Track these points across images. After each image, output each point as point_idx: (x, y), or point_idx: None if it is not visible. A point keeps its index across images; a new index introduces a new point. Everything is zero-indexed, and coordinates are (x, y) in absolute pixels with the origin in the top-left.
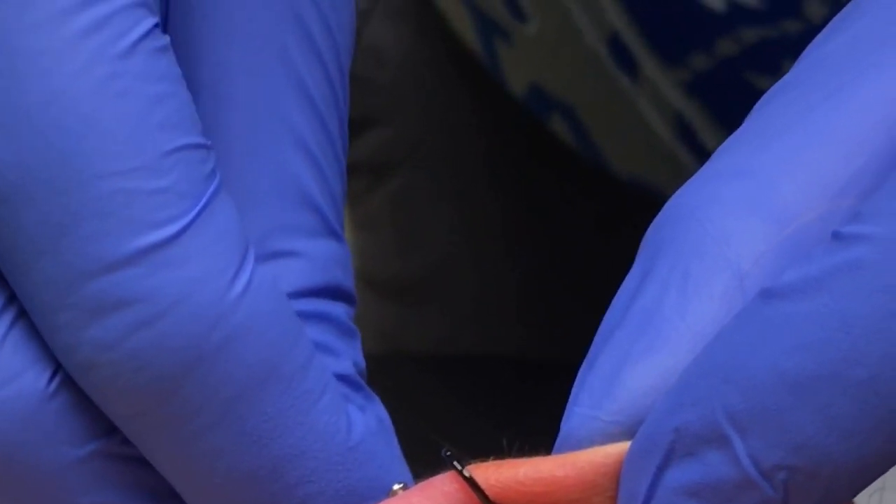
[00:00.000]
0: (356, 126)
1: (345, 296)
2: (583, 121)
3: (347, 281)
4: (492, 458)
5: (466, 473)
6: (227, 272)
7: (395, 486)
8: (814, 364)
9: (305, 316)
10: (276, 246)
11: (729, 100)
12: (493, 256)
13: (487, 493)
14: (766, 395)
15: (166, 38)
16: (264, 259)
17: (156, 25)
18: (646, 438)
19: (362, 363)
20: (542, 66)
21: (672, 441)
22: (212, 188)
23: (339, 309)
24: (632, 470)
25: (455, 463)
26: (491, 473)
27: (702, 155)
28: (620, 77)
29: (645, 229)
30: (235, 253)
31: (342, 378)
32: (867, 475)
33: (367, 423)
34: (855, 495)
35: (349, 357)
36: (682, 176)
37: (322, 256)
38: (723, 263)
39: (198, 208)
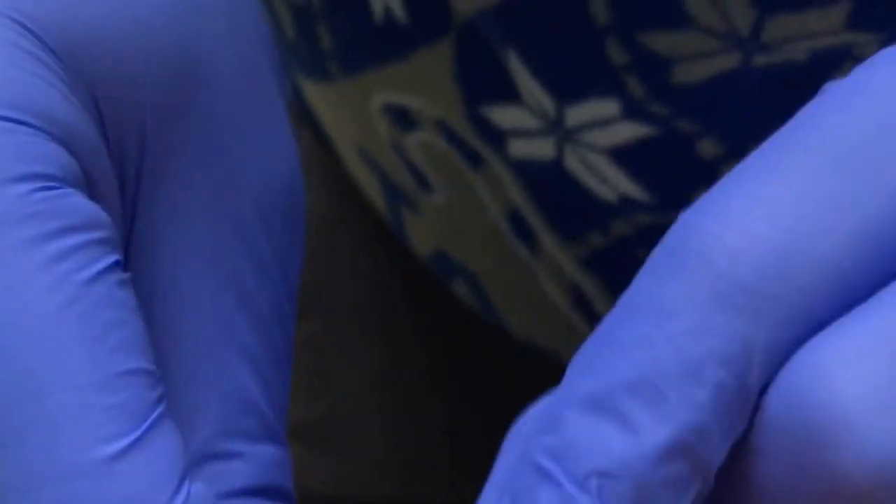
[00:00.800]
0: None
1: (283, 496)
2: (484, 287)
3: (286, 483)
4: None
5: None
6: (166, 490)
7: None
8: (602, 383)
9: None
10: (221, 447)
11: (624, 274)
12: (398, 403)
13: None
14: (569, 420)
15: (126, 275)
16: (210, 459)
17: (118, 262)
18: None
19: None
20: (447, 234)
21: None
22: (158, 412)
23: None
24: None
25: None
26: None
27: (596, 321)
28: (521, 249)
29: (552, 384)
30: (175, 472)
31: None
32: (664, 475)
33: None
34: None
35: None
36: (576, 341)
37: (263, 459)
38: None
39: (144, 427)
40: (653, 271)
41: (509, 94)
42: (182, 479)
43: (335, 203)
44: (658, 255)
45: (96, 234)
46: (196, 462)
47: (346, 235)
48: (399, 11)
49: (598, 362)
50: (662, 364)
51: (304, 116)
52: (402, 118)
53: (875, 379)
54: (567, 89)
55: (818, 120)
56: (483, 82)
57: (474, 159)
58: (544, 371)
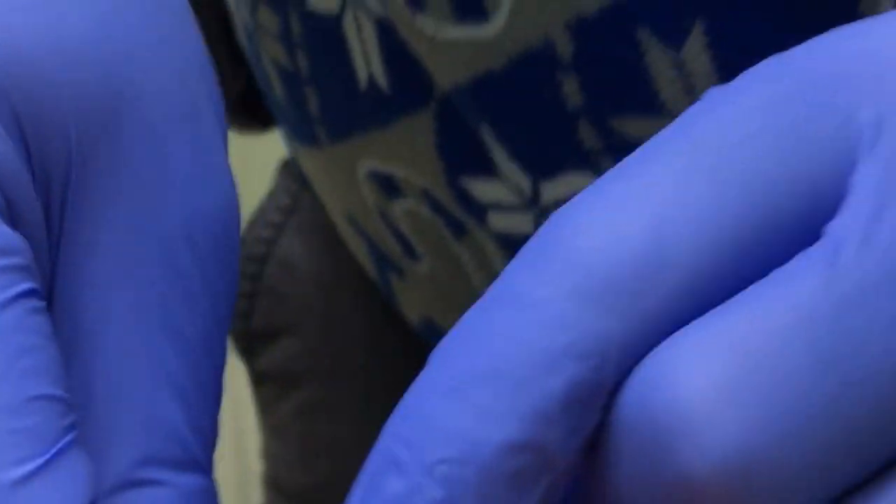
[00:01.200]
0: (266, 336)
1: None
2: None
3: None
4: None
5: None
6: None
7: None
8: (460, 370)
9: None
10: (142, 475)
11: None
12: None
13: None
14: (424, 406)
15: (41, 303)
16: (130, 486)
17: (33, 290)
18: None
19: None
20: (433, 301)
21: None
22: (67, 439)
23: None
24: None
25: None
26: None
27: None
28: None
29: None
30: (82, 501)
31: None
32: (511, 465)
33: None
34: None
35: None
36: None
37: (187, 488)
38: None
39: (51, 453)
40: (520, 262)
41: (487, 168)
42: None
43: (333, 267)
44: (527, 247)
45: (11, 261)
46: (115, 489)
47: (344, 300)
48: (381, 80)
49: (458, 351)
50: (519, 355)
51: (304, 179)
52: (388, 186)
53: (718, 377)
54: (541, 166)
55: (691, 124)
56: (462, 155)
57: (459, 229)
58: None
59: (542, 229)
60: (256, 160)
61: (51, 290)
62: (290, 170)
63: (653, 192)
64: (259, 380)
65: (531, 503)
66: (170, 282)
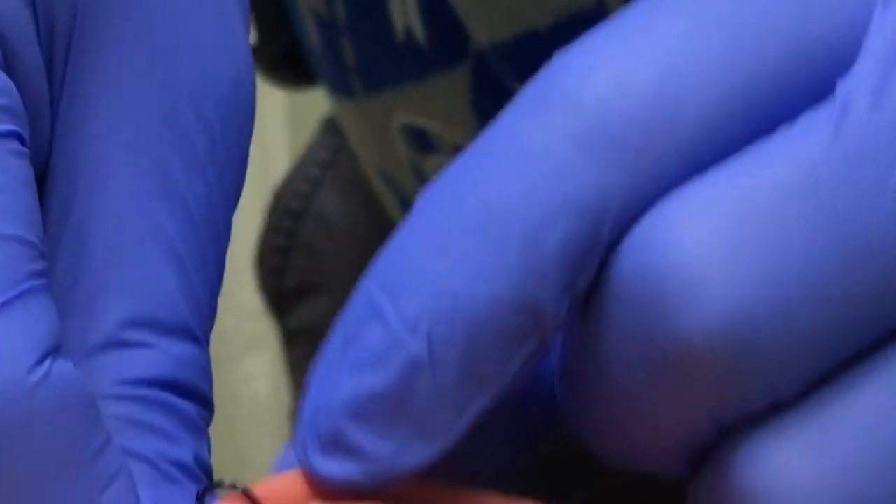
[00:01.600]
0: (298, 293)
1: (198, 398)
2: None
3: (204, 385)
4: None
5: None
6: (25, 360)
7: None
8: (448, 219)
9: (147, 402)
10: (130, 336)
11: None
12: None
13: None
14: (410, 256)
15: (23, 149)
16: (115, 346)
17: (15, 132)
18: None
19: (208, 462)
20: None
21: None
22: (31, 284)
23: (188, 407)
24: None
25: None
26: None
27: None
28: None
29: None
30: (38, 346)
31: (176, 464)
32: (499, 323)
33: None
34: (511, 361)
35: (190, 448)
36: None
37: (175, 354)
38: None
39: (11, 295)
40: (517, 107)
41: None
42: (46, 354)
43: (367, 224)
44: (525, 92)
45: None
46: (100, 348)
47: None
48: (419, 32)
49: (447, 198)
50: (512, 206)
51: (344, 135)
52: (422, 141)
53: (717, 237)
54: None
55: None
56: (497, 113)
57: None
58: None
59: (541, 74)
60: (304, 116)
61: (49, 144)
62: (330, 125)
63: (660, 42)
64: (290, 339)
65: (517, 363)
66: (172, 145)
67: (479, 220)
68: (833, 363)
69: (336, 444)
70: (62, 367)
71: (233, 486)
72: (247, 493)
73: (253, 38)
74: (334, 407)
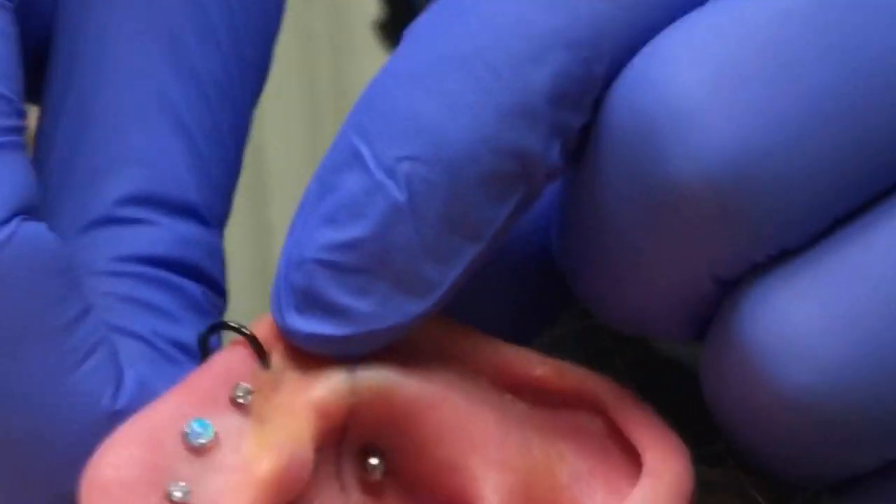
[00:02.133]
0: None
1: (206, 280)
2: None
3: (213, 269)
4: None
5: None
6: None
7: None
8: (428, 53)
9: (144, 279)
10: (129, 213)
11: None
12: None
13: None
14: (388, 94)
15: (9, 3)
16: (113, 222)
17: None
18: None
19: (216, 343)
20: None
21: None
22: (2, 139)
23: (193, 288)
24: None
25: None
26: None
27: None
28: None
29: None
30: (5, 203)
31: (176, 344)
32: (484, 166)
33: (142, 387)
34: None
35: (194, 329)
36: None
37: (179, 233)
38: None
39: None
40: None
41: None
42: (13, 214)
43: None
44: None
45: None
46: (96, 224)
47: None
48: None
49: (432, 32)
50: (501, 39)
51: None
52: None
53: (713, 71)
54: None
55: None
56: None
57: None
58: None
59: None
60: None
61: (53, 4)
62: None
63: None
64: None
65: (505, 212)
66: (184, 11)
67: (463, 52)
68: (844, 208)
69: (313, 302)
70: (31, 229)
71: (237, 329)
72: (252, 339)
73: (380, 11)
74: (309, 260)
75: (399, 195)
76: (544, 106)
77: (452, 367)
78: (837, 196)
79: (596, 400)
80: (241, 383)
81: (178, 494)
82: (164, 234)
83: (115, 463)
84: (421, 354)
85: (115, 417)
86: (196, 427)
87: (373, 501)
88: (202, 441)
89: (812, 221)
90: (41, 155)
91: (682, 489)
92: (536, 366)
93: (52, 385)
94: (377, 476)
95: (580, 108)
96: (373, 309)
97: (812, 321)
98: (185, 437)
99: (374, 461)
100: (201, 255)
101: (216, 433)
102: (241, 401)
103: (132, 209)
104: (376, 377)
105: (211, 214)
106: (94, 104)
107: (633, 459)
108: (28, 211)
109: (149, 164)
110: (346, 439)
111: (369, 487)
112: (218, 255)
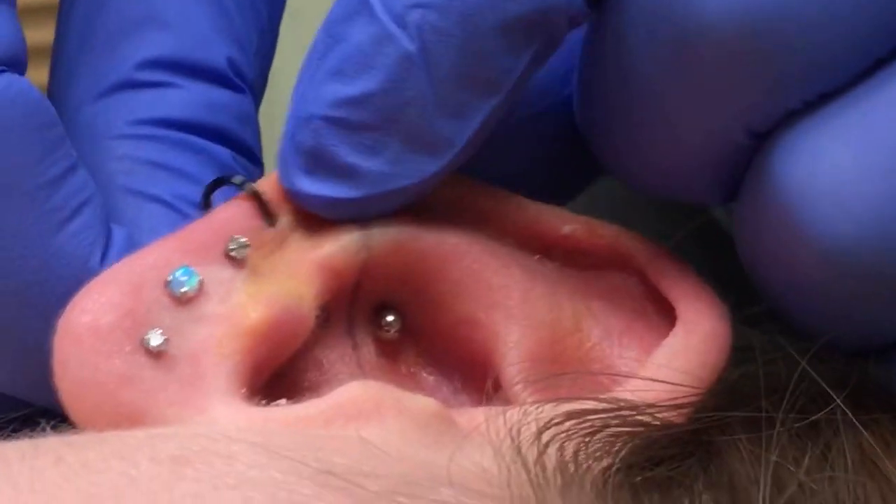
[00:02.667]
0: None
1: (234, 144)
2: None
3: (243, 134)
4: None
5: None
6: None
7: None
8: None
9: (166, 142)
10: (149, 77)
11: None
12: None
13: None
14: None
15: None
16: (131, 86)
17: None
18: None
19: None
20: None
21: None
22: None
23: (220, 152)
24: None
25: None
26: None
27: None
28: None
29: None
30: None
31: (192, 204)
32: (501, 12)
33: (133, 249)
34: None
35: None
36: None
37: (205, 96)
38: None
39: None
40: None
41: None
42: None
43: None
44: None
45: None
46: (117, 87)
47: None
48: None
49: None
50: None
51: None
52: None
53: None
54: None
55: None
56: None
57: None
58: None
59: None
60: None
61: None
62: None
63: None
64: None
65: (522, 62)
66: None
67: None
68: (889, 47)
69: (321, 162)
70: (13, 80)
71: (242, 185)
72: (256, 194)
73: None
74: (316, 116)
75: (410, 45)
76: None
77: (474, 225)
78: (880, 32)
79: (629, 257)
80: (237, 237)
81: (154, 343)
82: (186, 97)
83: (90, 308)
84: (439, 212)
85: None
86: (179, 275)
87: (387, 363)
88: (185, 290)
89: (853, 60)
90: (62, 18)
91: (717, 342)
92: (565, 223)
93: (35, 245)
94: (393, 334)
95: None
96: (384, 168)
97: (848, 166)
98: (168, 284)
99: (390, 318)
100: (229, 119)
101: (202, 283)
102: (234, 254)
103: (153, 72)
104: (392, 231)
105: (242, 79)
106: None
107: (672, 321)
108: (10, 64)
109: (172, 27)
110: (359, 298)
111: (384, 349)
112: (250, 121)
